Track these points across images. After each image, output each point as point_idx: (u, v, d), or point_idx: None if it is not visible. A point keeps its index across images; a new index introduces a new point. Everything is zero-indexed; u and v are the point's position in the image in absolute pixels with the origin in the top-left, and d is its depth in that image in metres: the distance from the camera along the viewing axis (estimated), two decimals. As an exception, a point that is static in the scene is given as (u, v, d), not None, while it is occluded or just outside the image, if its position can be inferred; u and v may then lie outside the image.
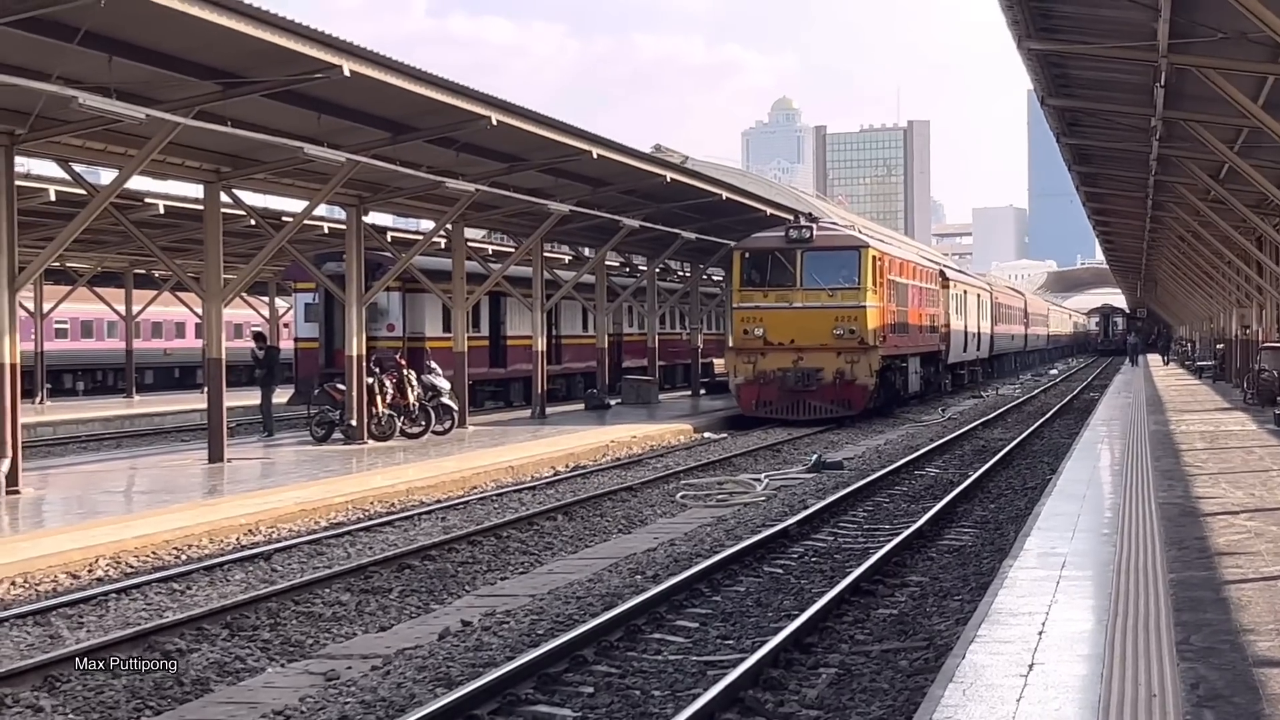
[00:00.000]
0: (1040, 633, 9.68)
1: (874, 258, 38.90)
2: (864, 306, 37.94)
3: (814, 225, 39.89)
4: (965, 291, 58.35)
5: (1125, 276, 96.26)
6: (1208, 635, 9.48)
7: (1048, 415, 40.84)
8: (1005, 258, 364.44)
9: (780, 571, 15.50)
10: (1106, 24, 19.62)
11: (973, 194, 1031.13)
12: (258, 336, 35.60)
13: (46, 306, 51.18)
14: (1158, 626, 9.78)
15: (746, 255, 39.40)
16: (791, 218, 41.87)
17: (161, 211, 34.95)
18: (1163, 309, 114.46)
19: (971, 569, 15.34)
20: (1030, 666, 8.72)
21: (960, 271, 69.36)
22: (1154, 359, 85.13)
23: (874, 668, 11.00)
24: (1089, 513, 16.01)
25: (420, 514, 20.60)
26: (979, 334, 62.17)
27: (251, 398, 37.79)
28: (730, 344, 40.26)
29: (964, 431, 34.73)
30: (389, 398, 30.45)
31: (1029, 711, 7.74)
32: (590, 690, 10.45)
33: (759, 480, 24.74)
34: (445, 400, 31.68)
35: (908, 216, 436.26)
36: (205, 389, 27.83)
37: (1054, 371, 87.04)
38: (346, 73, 20.32)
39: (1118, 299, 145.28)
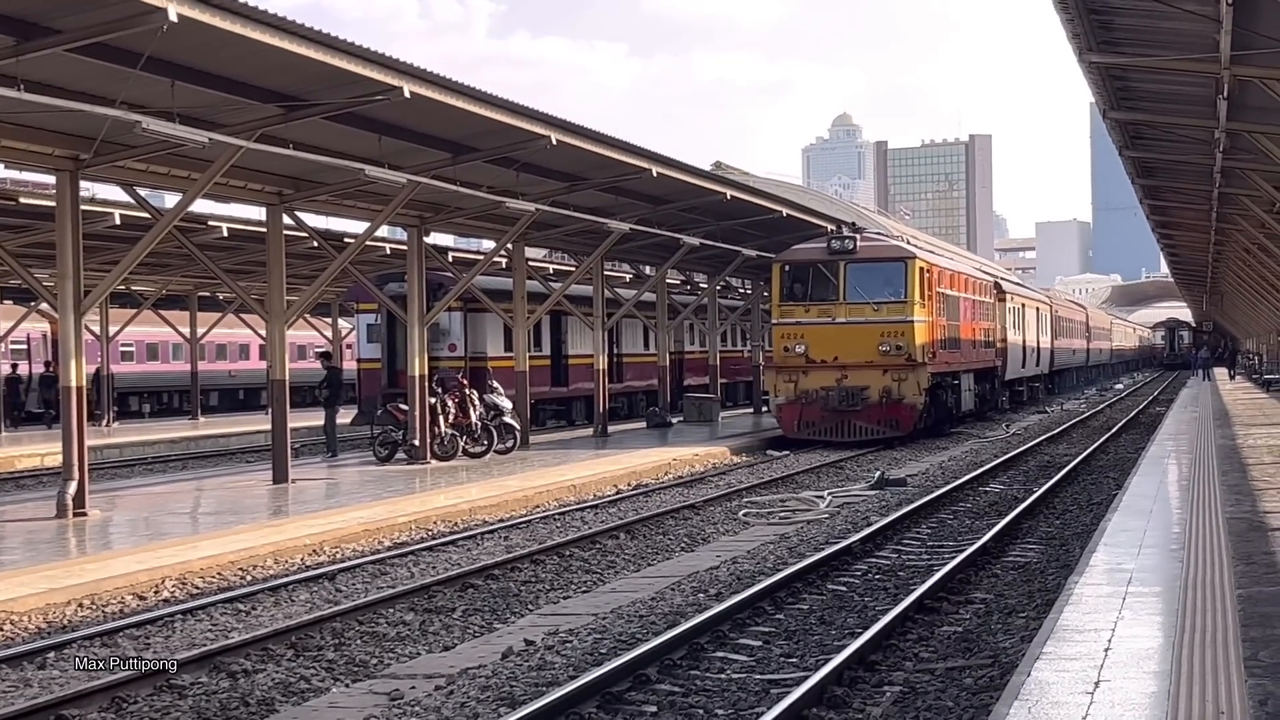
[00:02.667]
0: (1106, 649, 9.60)
1: (921, 269, 37.24)
2: (911, 321, 36.38)
3: (858, 236, 38.05)
4: (1023, 305, 56.94)
5: (1190, 289, 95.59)
6: (1276, 651, 9.38)
7: (1113, 430, 40.53)
8: (1069, 272, 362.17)
9: (844, 589, 15.44)
10: (1168, 36, 19.50)
11: (1036, 208, 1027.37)
12: (323, 356, 35.76)
13: (112, 329, 51.59)
14: (1226, 642, 9.68)
15: (787, 268, 37.81)
16: (834, 228, 40.52)
17: (225, 234, 35.23)
18: (1229, 322, 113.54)
19: (1037, 586, 15.23)
20: (1096, 684, 8.64)
21: (1018, 284, 68.22)
22: (1219, 373, 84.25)
23: (939, 685, 10.93)
24: (1156, 528, 15.88)
25: (483, 533, 20.64)
26: (1038, 349, 60.62)
27: (315, 419, 38.02)
28: (771, 362, 38.61)
29: (1028, 447, 34.51)
30: (451, 417, 30.54)
31: (1095, 729, 7.68)
32: (653, 709, 10.43)
33: (822, 498, 24.65)
34: (507, 419, 31.74)
35: (970, 231, 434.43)
36: (269, 410, 28.00)
37: (1119, 386, 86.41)
38: (407, 94, 20.44)
39: (1183, 312, 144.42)
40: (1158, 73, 21.41)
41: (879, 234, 42.75)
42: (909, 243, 42.02)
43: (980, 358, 45.69)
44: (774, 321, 38.22)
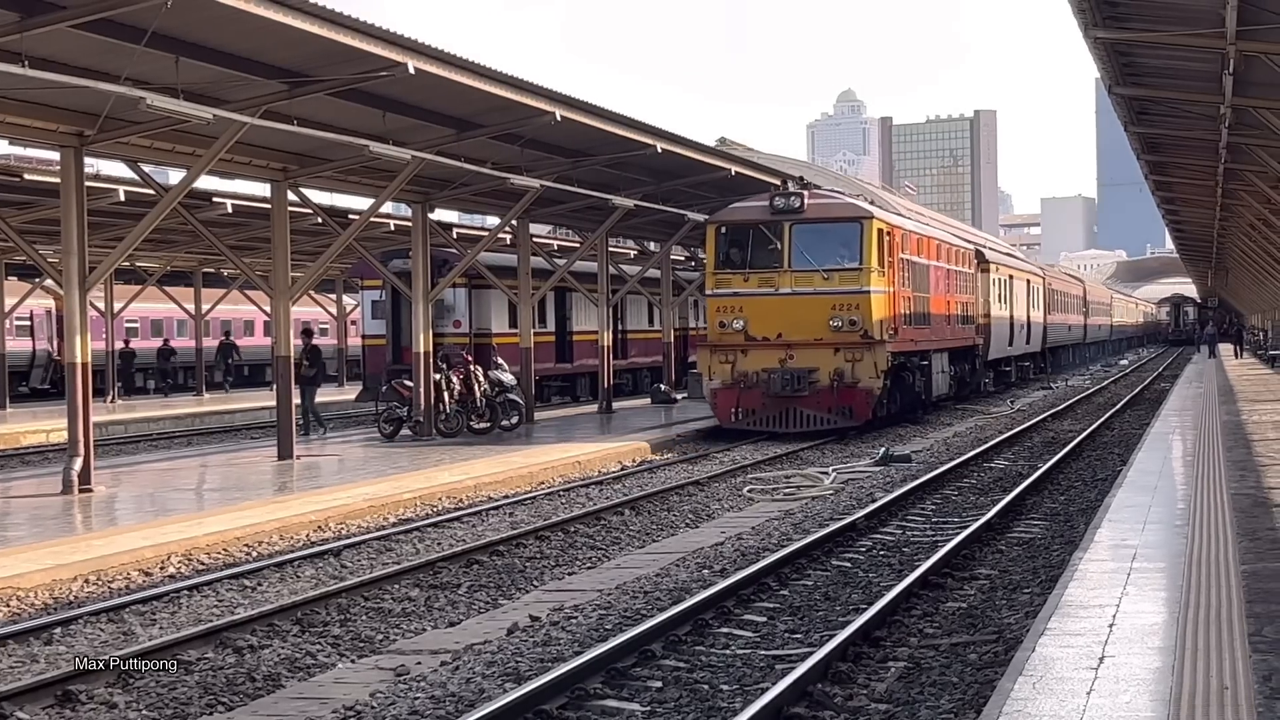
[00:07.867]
0: (1111, 625, 9.61)
1: (880, 231, 32.05)
2: (867, 292, 31.22)
3: (805, 193, 32.45)
4: (1010, 276, 51.61)
5: (1196, 265, 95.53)
6: (1281, 627, 9.39)
7: (1118, 406, 40.50)
8: (1074, 248, 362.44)
9: (848, 565, 15.45)
10: (1173, 11, 19.46)
11: (1041, 184, 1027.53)
12: (303, 334, 35.15)
13: (117, 306, 51.61)
14: (1230, 619, 9.68)
15: (723, 229, 32.58)
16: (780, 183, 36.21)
17: (229, 210, 35.21)
18: (1234, 297, 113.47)
19: (1041, 561, 15.23)
20: (1101, 659, 8.65)
21: (1006, 253, 63.74)
22: (1224, 349, 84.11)
23: (943, 661, 10.95)
24: (1160, 504, 15.87)
25: (488, 509, 20.64)
26: (1028, 325, 55.65)
27: (322, 394, 37.97)
28: (704, 340, 33.40)
29: (1033, 423, 34.45)
30: (456, 394, 30.55)
31: (1099, 704, 7.68)
32: (659, 684, 10.44)
33: (826, 474, 24.63)
34: (512, 396, 31.73)
35: (975, 207, 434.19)
36: (274, 386, 28.01)
37: (1124, 362, 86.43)
38: (411, 70, 20.41)
39: (1188, 288, 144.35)
40: (1164, 48, 21.38)
41: (832, 191, 36.54)
42: (871, 203, 36.28)
43: (957, 335, 40.72)
44: (708, 292, 33.26)
